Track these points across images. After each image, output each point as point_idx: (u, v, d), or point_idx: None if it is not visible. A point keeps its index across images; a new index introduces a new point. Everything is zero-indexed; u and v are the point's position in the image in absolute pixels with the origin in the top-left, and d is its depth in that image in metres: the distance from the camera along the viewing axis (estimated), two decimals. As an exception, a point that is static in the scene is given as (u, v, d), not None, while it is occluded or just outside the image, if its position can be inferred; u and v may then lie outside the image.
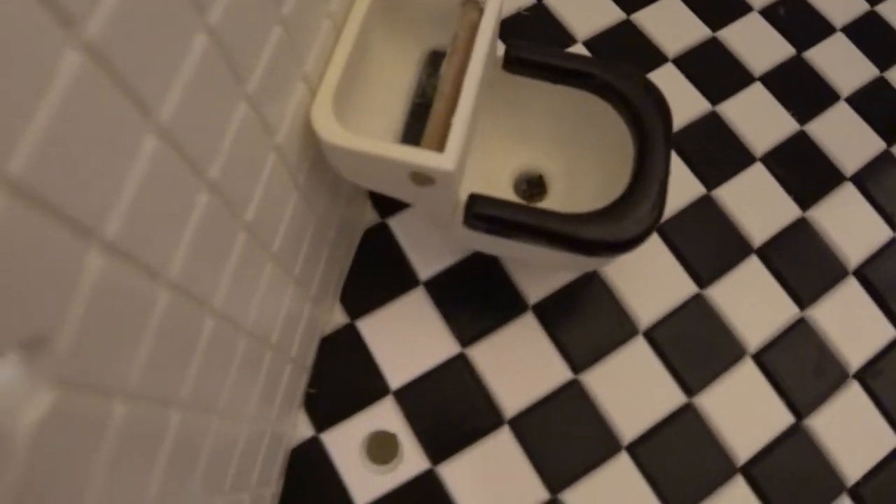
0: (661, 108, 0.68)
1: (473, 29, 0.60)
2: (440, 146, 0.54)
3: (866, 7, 1.04)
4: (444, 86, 0.58)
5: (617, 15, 1.00)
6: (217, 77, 0.38)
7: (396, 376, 0.80)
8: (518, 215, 0.63)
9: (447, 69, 0.60)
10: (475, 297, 0.84)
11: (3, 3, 0.21)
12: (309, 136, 0.57)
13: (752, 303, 0.84)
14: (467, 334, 0.82)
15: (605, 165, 0.74)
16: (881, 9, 1.04)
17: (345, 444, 0.78)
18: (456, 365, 0.81)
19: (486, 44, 0.59)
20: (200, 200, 0.40)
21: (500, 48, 0.69)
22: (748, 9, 1.02)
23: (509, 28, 0.98)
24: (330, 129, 0.54)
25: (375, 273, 0.85)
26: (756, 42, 1.00)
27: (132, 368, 0.34)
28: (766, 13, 1.02)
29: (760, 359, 0.82)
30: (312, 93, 0.55)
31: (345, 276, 0.85)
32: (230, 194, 0.44)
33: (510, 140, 0.79)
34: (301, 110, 0.54)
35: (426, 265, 0.85)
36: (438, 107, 0.57)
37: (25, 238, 0.24)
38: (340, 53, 0.57)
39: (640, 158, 0.66)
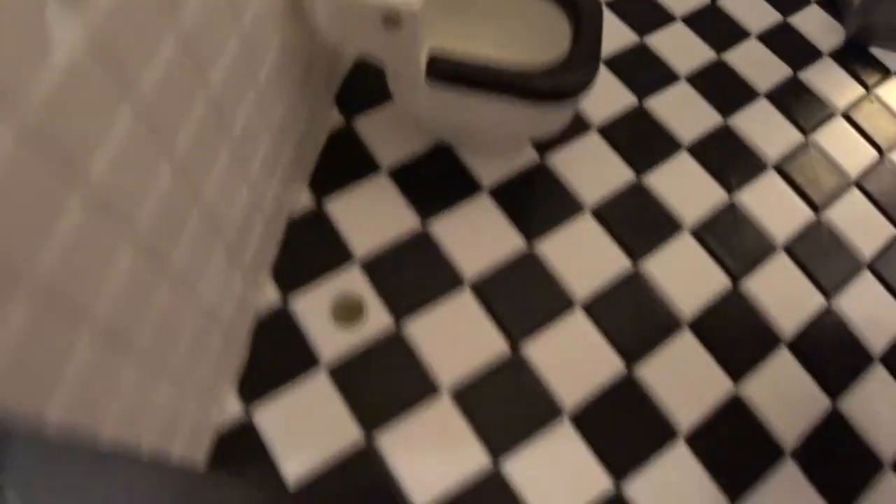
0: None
1: None
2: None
3: (779, 18, 1.12)
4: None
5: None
6: None
7: (361, 246, 0.82)
8: (473, 69, 0.68)
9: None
10: (435, 182, 0.88)
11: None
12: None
13: (685, 276, 0.86)
14: (428, 211, 0.85)
15: (543, 58, 0.81)
16: (792, 20, 1.12)
17: (311, 306, 0.78)
18: (417, 236, 0.83)
19: None
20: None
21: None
22: (671, 18, 1.09)
23: None
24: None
25: (342, 162, 0.88)
26: (680, 46, 1.06)
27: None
28: (689, 21, 1.09)
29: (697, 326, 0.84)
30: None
31: (313, 164, 0.88)
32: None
33: (458, 40, 0.85)
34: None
35: (389, 156, 0.89)
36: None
37: None
38: None
39: (577, 32, 0.73)
